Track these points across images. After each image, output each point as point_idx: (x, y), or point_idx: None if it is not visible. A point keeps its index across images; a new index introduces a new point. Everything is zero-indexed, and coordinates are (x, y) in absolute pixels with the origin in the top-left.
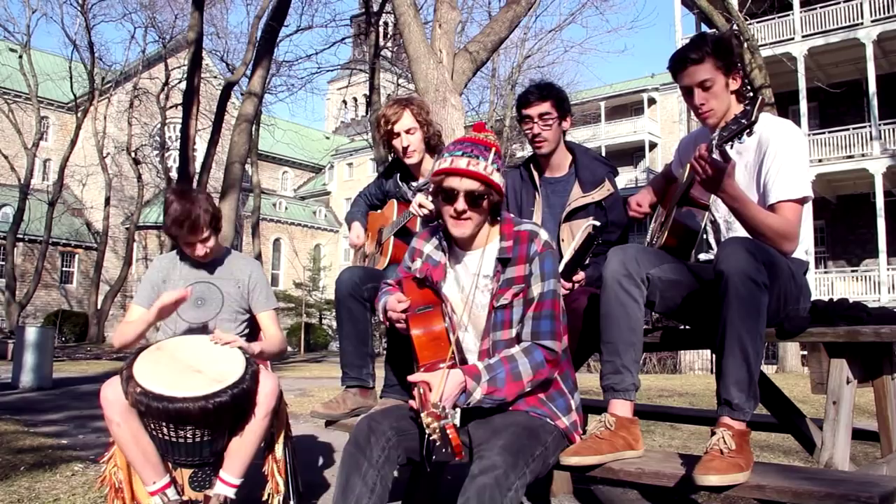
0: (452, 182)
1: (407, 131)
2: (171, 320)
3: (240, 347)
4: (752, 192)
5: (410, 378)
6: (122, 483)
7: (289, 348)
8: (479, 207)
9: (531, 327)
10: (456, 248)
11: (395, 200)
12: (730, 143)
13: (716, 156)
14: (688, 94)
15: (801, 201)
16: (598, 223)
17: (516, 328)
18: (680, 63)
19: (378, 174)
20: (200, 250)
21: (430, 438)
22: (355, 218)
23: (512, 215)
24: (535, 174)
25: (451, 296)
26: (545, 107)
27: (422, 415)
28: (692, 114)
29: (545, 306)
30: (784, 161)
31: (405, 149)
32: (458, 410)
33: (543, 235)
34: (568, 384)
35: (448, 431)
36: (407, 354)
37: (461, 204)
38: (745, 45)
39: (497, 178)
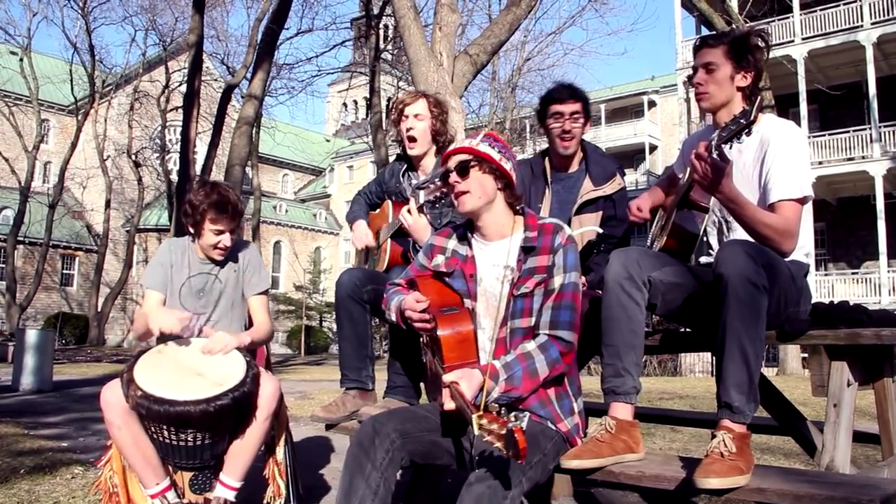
0: (448, 165)
1: (415, 115)
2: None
3: (236, 348)
4: (752, 190)
5: (445, 378)
6: (117, 487)
7: (289, 350)
8: (468, 176)
9: (550, 317)
10: (480, 240)
11: (389, 201)
12: (729, 142)
13: (715, 156)
14: (694, 73)
15: (801, 201)
16: (601, 231)
17: (535, 317)
18: (700, 44)
19: (380, 171)
20: (228, 241)
21: (485, 440)
22: (358, 217)
23: (534, 212)
24: (548, 169)
25: (475, 289)
26: (577, 106)
27: (472, 416)
28: (692, 115)
29: (565, 297)
30: (784, 161)
31: (408, 131)
32: (527, 414)
33: (567, 230)
34: (573, 387)
35: (516, 435)
36: (412, 356)
37: (453, 176)
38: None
39: (485, 148)
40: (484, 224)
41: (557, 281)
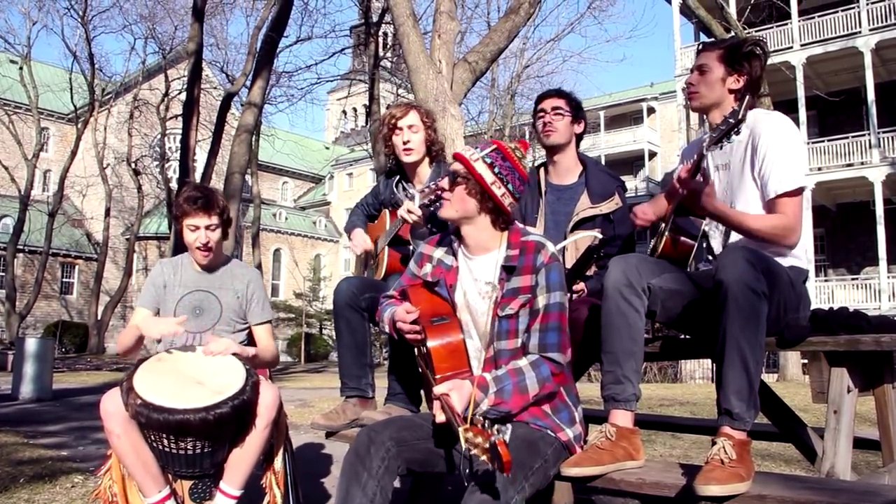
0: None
1: (409, 127)
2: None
3: (235, 354)
4: (746, 185)
5: (435, 390)
6: (116, 497)
7: (289, 358)
8: (454, 190)
9: (538, 339)
10: (465, 251)
11: (387, 211)
12: (720, 142)
13: (705, 162)
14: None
15: (799, 192)
16: (601, 235)
17: (521, 338)
18: (700, 49)
19: (375, 184)
20: (204, 237)
21: (471, 454)
22: (356, 225)
23: (521, 226)
24: (543, 179)
25: (457, 301)
26: (559, 102)
27: (459, 430)
28: (691, 122)
29: (552, 318)
30: (776, 152)
31: (405, 143)
32: (510, 427)
33: (550, 248)
34: (571, 397)
35: (499, 448)
36: (412, 363)
37: (444, 181)
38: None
39: (481, 168)
40: (465, 235)
41: (542, 301)
